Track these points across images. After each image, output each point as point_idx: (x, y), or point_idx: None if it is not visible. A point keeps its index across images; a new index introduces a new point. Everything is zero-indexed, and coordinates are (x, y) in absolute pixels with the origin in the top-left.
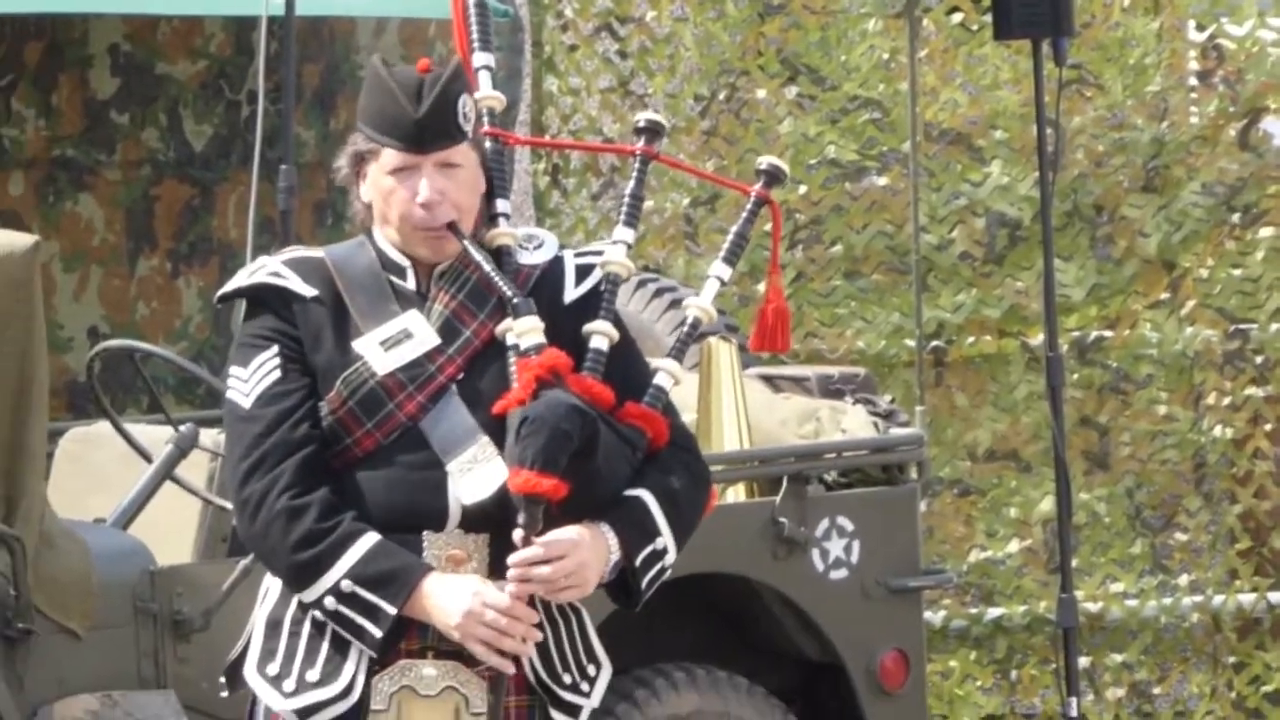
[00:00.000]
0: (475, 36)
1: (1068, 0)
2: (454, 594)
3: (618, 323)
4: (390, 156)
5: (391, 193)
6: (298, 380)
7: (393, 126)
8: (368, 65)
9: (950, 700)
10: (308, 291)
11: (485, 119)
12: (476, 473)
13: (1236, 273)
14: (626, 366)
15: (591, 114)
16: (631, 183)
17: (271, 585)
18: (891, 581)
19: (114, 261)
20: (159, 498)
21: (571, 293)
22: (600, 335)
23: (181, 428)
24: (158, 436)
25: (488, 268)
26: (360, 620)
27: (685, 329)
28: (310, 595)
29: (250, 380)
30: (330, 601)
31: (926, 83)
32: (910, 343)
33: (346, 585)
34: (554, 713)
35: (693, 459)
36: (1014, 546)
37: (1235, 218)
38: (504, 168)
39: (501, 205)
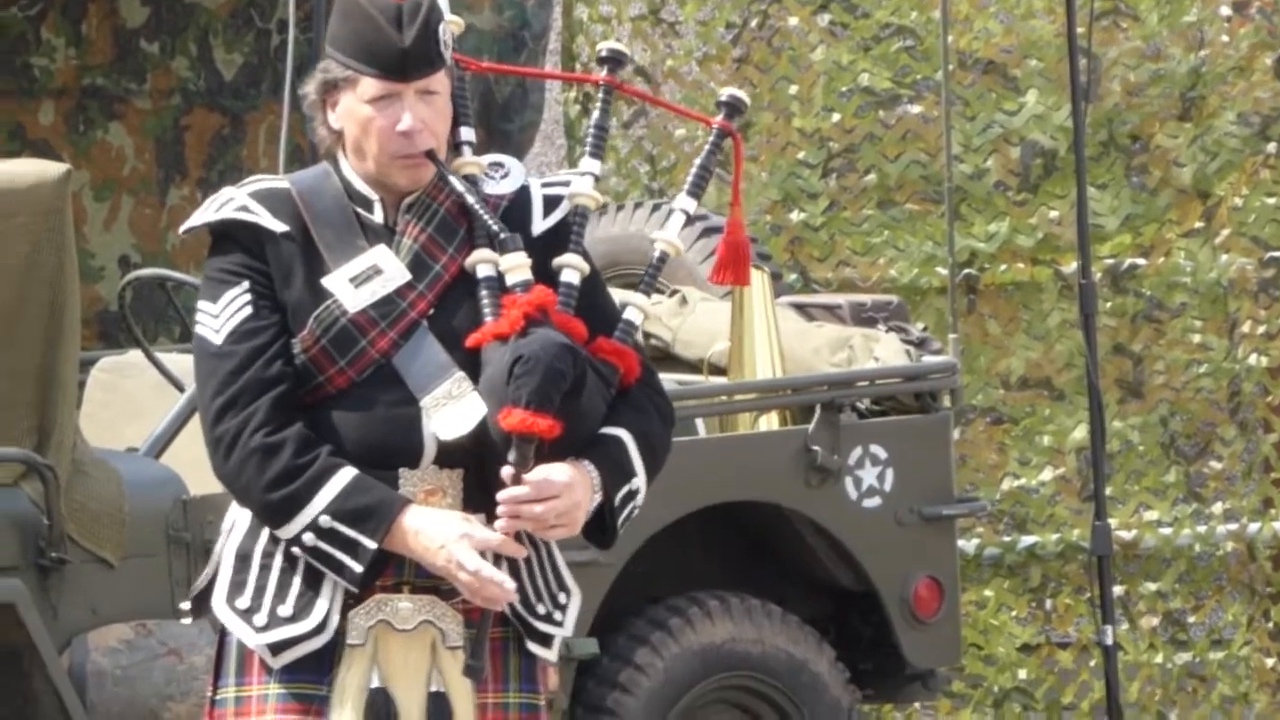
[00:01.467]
0: None
1: None
2: (440, 529)
3: (585, 256)
4: (370, 85)
5: (370, 121)
6: (269, 317)
7: (373, 55)
8: None
9: (985, 630)
10: (277, 227)
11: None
12: (452, 408)
13: (1271, 201)
14: (594, 299)
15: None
16: (595, 113)
17: (239, 518)
18: (925, 509)
19: (145, 190)
20: (191, 426)
21: (540, 224)
22: (571, 269)
23: None
24: (189, 365)
25: (470, 200)
26: (340, 556)
27: (653, 263)
28: (288, 532)
29: (221, 316)
30: (309, 538)
31: (960, 11)
32: (943, 271)
33: (325, 521)
34: (529, 643)
35: (661, 398)
36: (1047, 475)
37: (1270, 147)
38: (466, 95)
39: (465, 133)
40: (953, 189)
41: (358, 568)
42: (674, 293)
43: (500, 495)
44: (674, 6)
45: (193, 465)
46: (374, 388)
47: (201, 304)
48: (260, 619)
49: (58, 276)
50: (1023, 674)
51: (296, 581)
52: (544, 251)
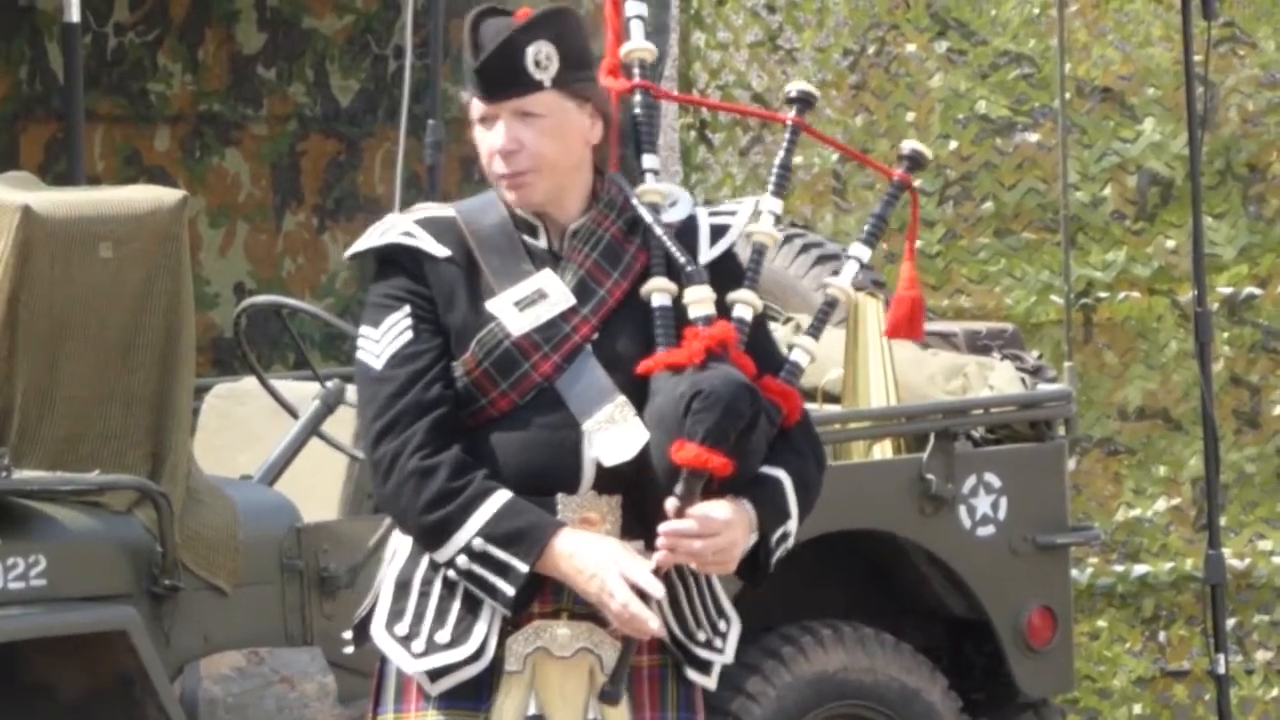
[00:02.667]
0: None
1: None
2: (594, 555)
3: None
4: (475, 106)
5: (479, 142)
6: (429, 341)
7: (470, 77)
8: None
9: (1099, 662)
10: (440, 251)
11: (636, 71)
12: (614, 433)
13: None
14: (756, 335)
15: (739, 69)
16: (781, 153)
17: (399, 546)
18: (1039, 538)
19: (260, 217)
20: (305, 454)
21: (706, 253)
22: (745, 305)
23: (328, 383)
24: (304, 392)
25: (660, 231)
26: (493, 579)
27: (823, 307)
28: (443, 554)
29: (382, 341)
30: (463, 560)
31: (1078, 39)
32: (1058, 300)
33: (478, 544)
34: (688, 670)
35: (816, 442)
36: (1162, 505)
37: None
38: (654, 122)
39: (649, 161)
40: (1069, 217)
41: (510, 591)
42: (788, 320)
43: (663, 527)
44: (791, 33)
45: (307, 493)
46: (535, 411)
47: (364, 329)
48: (418, 645)
49: (173, 303)
50: (1138, 708)
51: (455, 608)
52: (711, 280)
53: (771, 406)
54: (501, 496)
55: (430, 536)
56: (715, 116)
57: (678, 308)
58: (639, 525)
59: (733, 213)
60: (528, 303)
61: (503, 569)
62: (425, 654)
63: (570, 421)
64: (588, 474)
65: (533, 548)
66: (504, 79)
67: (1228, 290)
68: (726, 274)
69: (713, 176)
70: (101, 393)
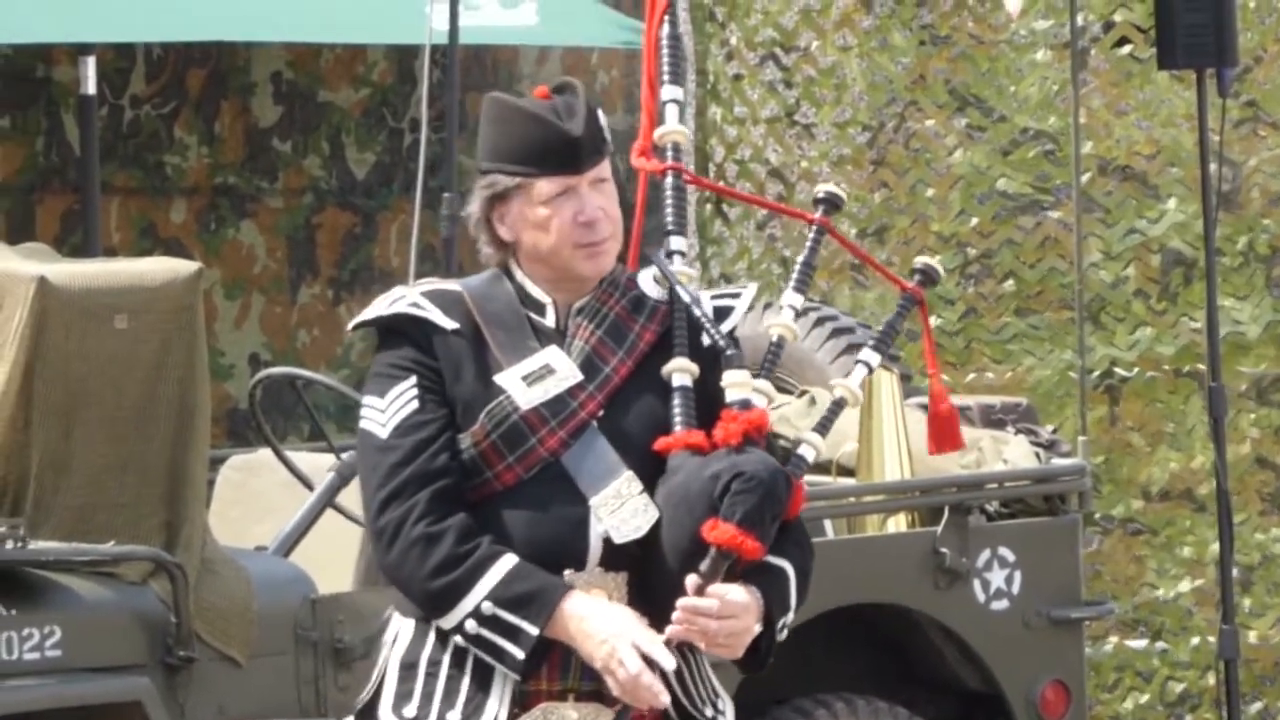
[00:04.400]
0: (666, 69)
1: (1231, 31)
2: (605, 622)
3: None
4: (546, 186)
5: (548, 220)
6: (435, 411)
7: (544, 154)
8: (485, 102)
9: None
10: (448, 324)
11: (670, 154)
12: (623, 510)
13: None
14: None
15: (757, 143)
16: (806, 251)
17: (402, 629)
18: (1053, 612)
19: (275, 289)
20: (320, 525)
21: (708, 337)
22: (759, 394)
23: (343, 455)
24: (319, 464)
25: (697, 312)
26: (501, 643)
27: (832, 406)
28: (450, 620)
29: (388, 410)
30: (471, 625)
31: (1099, 117)
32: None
33: (487, 608)
34: None
35: (808, 536)
36: (1185, 586)
37: None
38: (683, 205)
39: (677, 243)
40: (1083, 292)
41: (520, 654)
42: (803, 393)
43: (683, 602)
44: (808, 108)
45: (321, 564)
46: (542, 486)
47: (368, 399)
48: None
49: (188, 374)
50: None
51: (465, 686)
52: (711, 361)
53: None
54: (509, 560)
55: (437, 602)
56: (734, 176)
57: (698, 388)
58: (645, 603)
59: (737, 295)
60: (535, 378)
61: (512, 632)
62: None
63: (578, 497)
64: (595, 550)
65: (542, 610)
66: (594, 146)
67: (1255, 371)
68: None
69: (729, 250)
70: (116, 463)
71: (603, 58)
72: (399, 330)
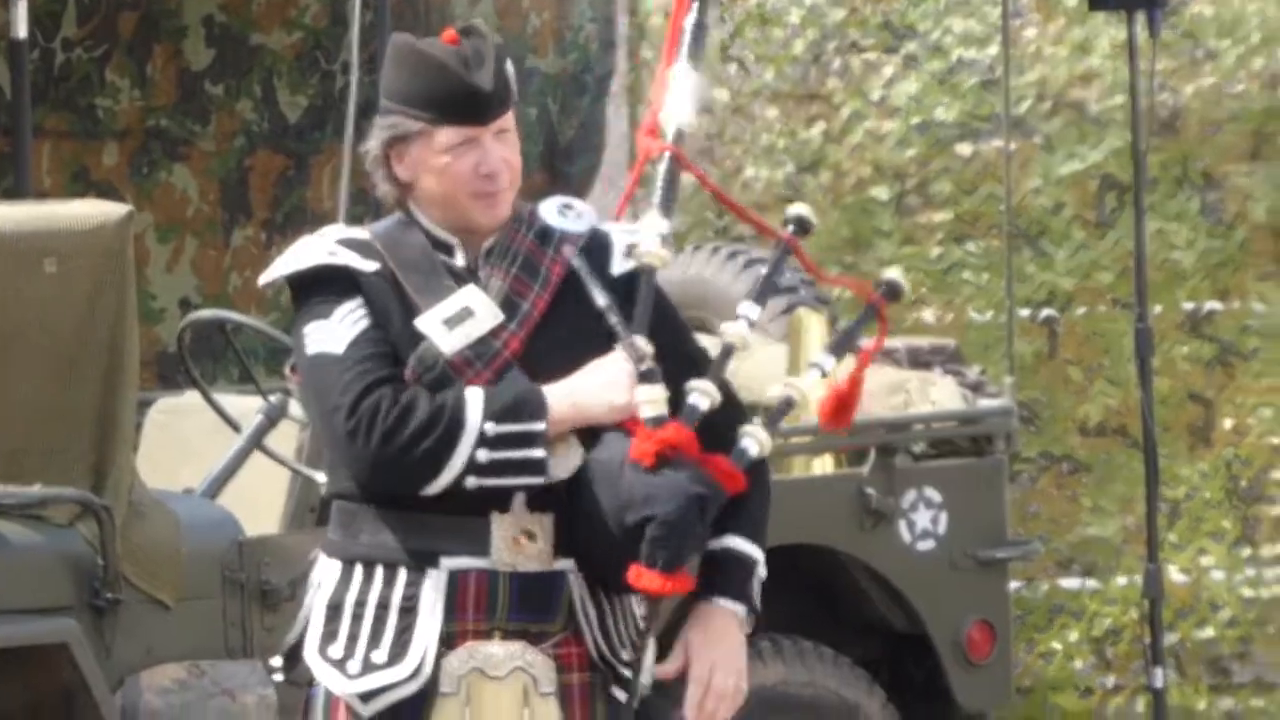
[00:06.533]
0: (685, 53)
1: None
2: (585, 382)
3: (723, 385)
4: (449, 134)
5: (447, 168)
6: (381, 332)
7: (450, 104)
8: (391, 43)
9: (1045, 675)
10: (368, 266)
11: (671, 134)
12: (556, 448)
13: None
14: (683, 348)
15: None
16: (769, 266)
17: (328, 571)
18: (978, 553)
19: (209, 232)
20: (248, 468)
21: (620, 266)
22: (701, 395)
23: (271, 398)
24: (247, 407)
25: (614, 319)
26: (519, 455)
27: (781, 405)
28: (458, 459)
29: (340, 326)
30: (483, 454)
31: (1042, 46)
32: (1024, 312)
33: (490, 429)
34: (614, 689)
35: (766, 475)
36: (1117, 523)
37: None
38: (674, 188)
39: (662, 225)
40: (1013, 231)
41: (539, 454)
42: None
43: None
44: (743, 44)
45: (249, 507)
46: None
47: (311, 325)
48: (354, 666)
49: (118, 318)
50: (1079, 717)
51: (390, 628)
52: (623, 294)
53: (719, 491)
54: (476, 389)
55: (439, 453)
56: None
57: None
58: (572, 544)
59: (639, 230)
60: (456, 320)
61: (524, 439)
62: (362, 674)
63: None
64: (520, 492)
65: (537, 406)
66: (501, 99)
67: (1190, 305)
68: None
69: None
70: (45, 407)
71: (535, 0)
72: (320, 279)
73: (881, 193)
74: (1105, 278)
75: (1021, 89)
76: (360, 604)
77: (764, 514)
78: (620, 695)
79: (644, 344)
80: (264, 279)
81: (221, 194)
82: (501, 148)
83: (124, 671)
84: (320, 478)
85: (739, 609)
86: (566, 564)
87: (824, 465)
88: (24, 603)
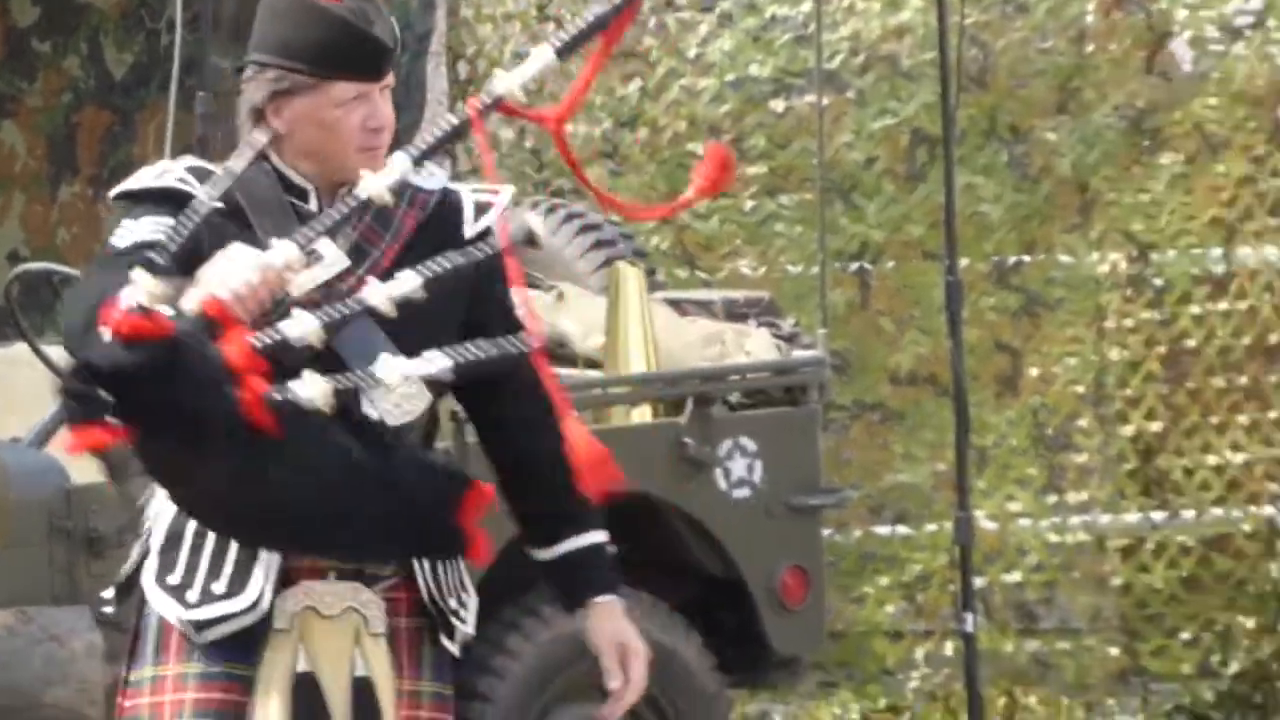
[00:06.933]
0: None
1: None
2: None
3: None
4: (343, 90)
5: (337, 123)
6: (171, 258)
7: (348, 58)
8: None
9: (858, 621)
10: (213, 201)
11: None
12: (395, 394)
13: (1144, 197)
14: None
15: (511, 39)
16: (441, 131)
17: (163, 507)
18: (793, 500)
19: (36, 187)
20: None
21: (471, 228)
22: (378, 292)
23: None
24: None
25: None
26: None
27: (357, 208)
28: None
29: (136, 230)
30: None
31: (855, 2)
32: (836, 264)
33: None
34: (441, 636)
35: (546, 414)
36: (928, 470)
37: (1145, 142)
38: (445, 140)
39: (407, 165)
40: (826, 185)
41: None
42: (552, 288)
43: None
44: (561, 2)
45: (76, 456)
46: (314, 368)
47: (123, 221)
48: (193, 595)
49: None
50: (890, 661)
51: (230, 560)
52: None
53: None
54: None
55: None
56: (484, 77)
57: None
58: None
59: (496, 192)
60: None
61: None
62: (200, 604)
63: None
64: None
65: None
66: (392, 55)
67: (996, 257)
68: (489, 258)
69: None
70: None
71: None
72: (165, 199)
73: (697, 147)
74: (916, 230)
75: (834, 44)
76: (201, 534)
77: (578, 492)
78: (447, 643)
79: (288, 246)
80: (115, 192)
81: (49, 150)
82: (386, 104)
83: None
84: None
85: (613, 599)
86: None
87: (642, 415)
88: None
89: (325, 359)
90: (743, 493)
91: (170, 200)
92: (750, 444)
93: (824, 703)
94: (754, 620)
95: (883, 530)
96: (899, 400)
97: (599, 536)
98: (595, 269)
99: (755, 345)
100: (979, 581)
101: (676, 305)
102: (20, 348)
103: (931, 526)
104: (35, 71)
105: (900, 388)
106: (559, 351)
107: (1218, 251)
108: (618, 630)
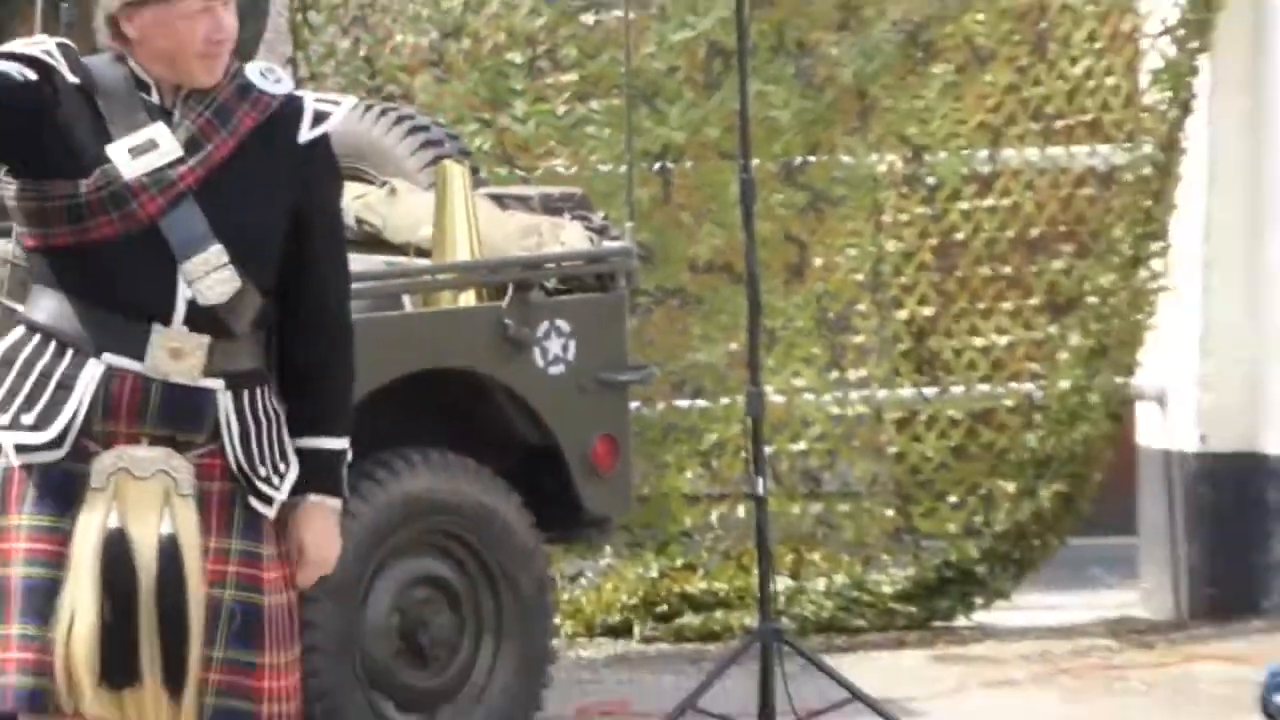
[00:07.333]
0: None
1: None
2: None
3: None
4: (190, 3)
5: (182, 32)
6: (30, 79)
7: None
8: None
9: (660, 485)
10: (72, 79)
11: None
12: (209, 278)
13: (918, 103)
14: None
15: None
16: None
17: (10, 336)
18: (602, 375)
19: None
20: None
21: (306, 134)
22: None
23: None
24: None
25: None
26: None
27: None
28: None
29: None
30: None
31: None
32: (642, 163)
33: None
34: (252, 499)
35: (343, 355)
36: (723, 350)
37: (919, 54)
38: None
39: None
40: (632, 91)
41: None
42: (384, 184)
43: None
44: None
45: None
46: (140, 246)
47: None
48: (4, 419)
49: None
50: (689, 523)
51: (45, 398)
52: (304, 158)
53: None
54: None
55: None
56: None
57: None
58: (225, 364)
59: (336, 103)
60: (140, 151)
61: None
62: (9, 429)
63: (169, 260)
64: (180, 310)
65: None
66: None
67: (784, 159)
68: (320, 163)
69: (316, 53)
70: None
71: None
72: (30, 63)
73: (515, 57)
74: (712, 133)
75: None
76: (29, 366)
77: (346, 400)
78: (258, 506)
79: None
80: None
81: None
82: (229, 16)
83: None
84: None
85: (332, 501)
86: (216, 383)
87: (468, 299)
88: None
89: (150, 238)
90: (558, 369)
91: (34, 65)
92: (565, 325)
93: (630, 562)
94: (569, 484)
95: (683, 404)
96: (697, 286)
97: (337, 444)
98: (424, 166)
99: (569, 237)
100: (768, 450)
101: (498, 200)
102: None
103: (726, 400)
104: None
105: (698, 275)
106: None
107: (984, 153)
108: (310, 533)
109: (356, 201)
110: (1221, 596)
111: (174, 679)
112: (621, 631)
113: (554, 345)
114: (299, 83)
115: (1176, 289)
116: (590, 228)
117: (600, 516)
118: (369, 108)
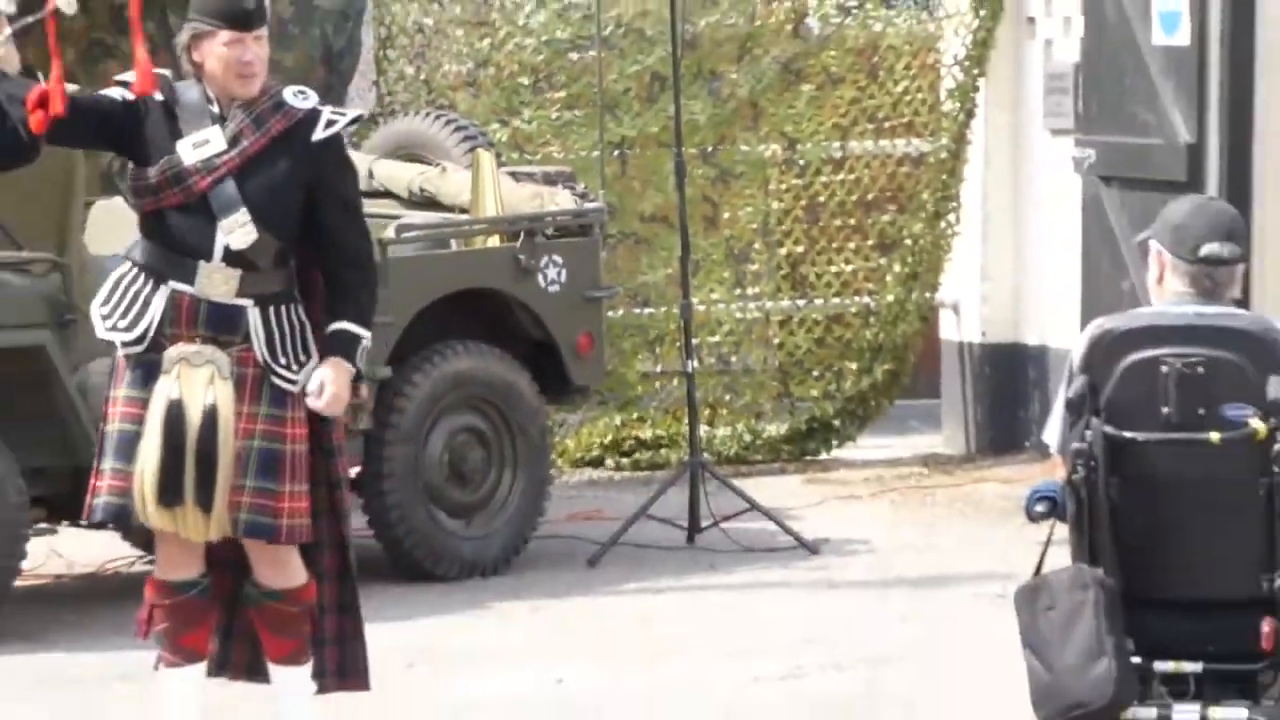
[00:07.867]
0: None
1: None
2: None
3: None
4: (226, 36)
5: (224, 57)
6: (113, 108)
7: (231, 16)
8: None
9: (623, 365)
10: (159, 97)
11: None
12: (239, 231)
13: (792, 111)
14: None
15: (408, 11)
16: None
17: (122, 267)
18: (584, 292)
19: None
20: None
21: (318, 134)
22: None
23: None
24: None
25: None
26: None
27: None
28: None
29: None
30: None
31: None
32: (612, 152)
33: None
34: (276, 380)
35: (368, 270)
36: (663, 273)
37: (792, 78)
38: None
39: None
40: (601, 106)
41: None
42: (438, 165)
43: (313, 405)
44: None
45: None
46: (195, 210)
47: None
48: (108, 324)
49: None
50: (641, 391)
51: (135, 310)
52: (317, 152)
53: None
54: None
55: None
56: (397, 36)
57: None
58: (253, 289)
59: (344, 113)
60: (198, 145)
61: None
62: (113, 330)
63: (212, 218)
64: (218, 251)
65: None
66: (261, 17)
67: (704, 147)
68: (330, 155)
69: (391, 79)
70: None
71: None
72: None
73: (524, 80)
74: (655, 130)
75: (607, 20)
76: (126, 290)
77: (366, 308)
78: (281, 384)
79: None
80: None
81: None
82: (258, 47)
83: (79, 361)
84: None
85: (347, 365)
86: (246, 302)
87: (494, 242)
88: (16, 321)
89: (201, 204)
90: (555, 288)
91: (128, 88)
92: (559, 259)
93: (601, 415)
94: (561, 365)
95: (637, 311)
96: (646, 232)
97: (356, 330)
98: (465, 154)
99: (562, 200)
100: (694, 341)
101: (513, 175)
102: (118, 201)
103: (665, 308)
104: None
105: (647, 224)
106: (438, 202)
107: (837, 144)
108: (328, 377)
109: (420, 176)
110: (998, 438)
111: (205, 502)
112: (596, 463)
113: (552, 272)
114: (379, 98)
115: (965, 234)
116: (576, 194)
117: (582, 386)
118: (427, 114)
